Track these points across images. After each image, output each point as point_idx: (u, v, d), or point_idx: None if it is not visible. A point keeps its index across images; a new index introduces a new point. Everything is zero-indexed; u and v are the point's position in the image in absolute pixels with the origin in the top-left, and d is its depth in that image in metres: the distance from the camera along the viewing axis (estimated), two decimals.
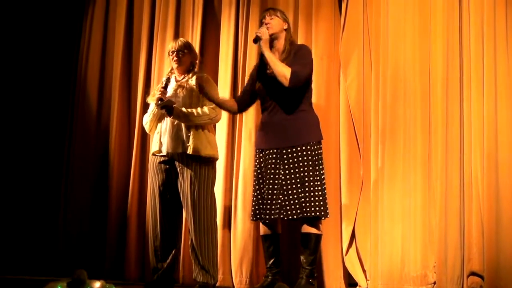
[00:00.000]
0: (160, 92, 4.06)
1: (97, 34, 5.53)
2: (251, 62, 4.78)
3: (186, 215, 4.16)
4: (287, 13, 4.59)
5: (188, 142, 4.05)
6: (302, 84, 3.84)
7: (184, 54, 4.21)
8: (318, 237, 3.88)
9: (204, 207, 4.06)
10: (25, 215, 5.42)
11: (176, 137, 4.09)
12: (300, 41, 4.63)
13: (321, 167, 3.90)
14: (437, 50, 4.26)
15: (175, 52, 4.20)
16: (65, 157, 5.43)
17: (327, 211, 3.87)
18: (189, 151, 4.04)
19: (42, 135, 5.59)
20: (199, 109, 4.08)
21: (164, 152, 4.12)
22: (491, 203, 3.96)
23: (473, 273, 3.96)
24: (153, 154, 4.20)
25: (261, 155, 3.96)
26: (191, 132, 4.06)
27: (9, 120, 5.58)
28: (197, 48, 4.96)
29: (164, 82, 4.15)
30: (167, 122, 4.14)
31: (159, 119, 4.19)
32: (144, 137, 5.12)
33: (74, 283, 2.98)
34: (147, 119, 4.26)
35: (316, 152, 3.89)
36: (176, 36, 5.12)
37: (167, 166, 4.13)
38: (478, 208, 3.99)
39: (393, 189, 4.19)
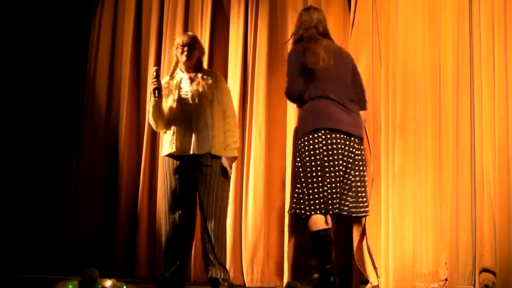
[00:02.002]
0: (154, 82, 4.06)
1: (106, 34, 5.54)
2: (261, 59, 4.78)
3: (205, 213, 4.06)
4: (295, 11, 4.61)
5: (212, 142, 4.05)
6: (293, 98, 4.00)
7: (194, 49, 4.18)
8: None
9: (223, 207, 4.09)
10: (37, 215, 5.44)
11: (202, 138, 4.05)
12: None
13: (309, 159, 3.81)
14: (447, 46, 4.23)
15: (186, 46, 4.17)
16: (75, 158, 5.44)
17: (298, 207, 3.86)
18: (214, 151, 4.04)
19: (51, 136, 5.60)
20: (230, 136, 4.13)
21: (187, 153, 4.04)
22: (503, 199, 3.94)
23: (485, 270, 3.94)
24: (171, 155, 4.10)
25: None
26: (216, 133, 4.07)
27: (18, 121, 5.59)
28: (206, 46, 4.96)
29: (155, 73, 4.09)
30: (187, 124, 4.07)
31: (174, 119, 4.11)
32: (154, 138, 5.12)
33: (86, 281, 2.99)
34: (150, 115, 4.19)
35: (310, 142, 3.82)
36: None
37: (186, 166, 4.07)
38: (490, 204, 3.97)
39: (404, 186, 4.16)
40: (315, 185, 3.78)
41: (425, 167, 4.20)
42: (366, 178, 3.94)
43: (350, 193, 3.83)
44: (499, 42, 4.06)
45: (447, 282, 4.05)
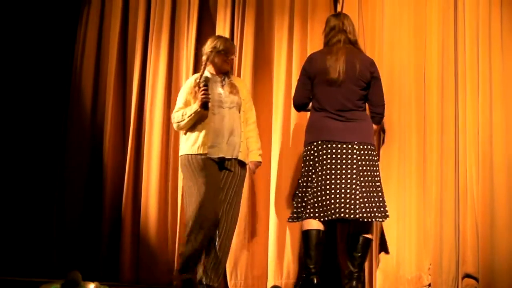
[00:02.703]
0: (205, 95, 3.95)
1: (92, 36, 5.51)
2: (247, 63, 4.78)
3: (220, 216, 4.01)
4: (282, 16, 4.62)
5: (240, 148, 4.06)
6: (295, 107, 4.14)
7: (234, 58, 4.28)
8: None
9: (238, 213, 4.09)
10: (19, 217, 5.39)
11: (231, 142, 4.04)
12: (295, 44, 4.64)
13: (303, 169, 3.94)
14: (432, 54, 4.27)
15: (233, 56, 4.21)
16: (59, 159, 5.41)
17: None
18: (241, 157, 4.05)
19: (36, 137, 5.56)
20: (254, 142, 4.15)
21: (215, 156, 4.00)
22: (486, 206, 3.98)
23: (468, 275, 3.97)
24: (202, 155, 3.98)
25: None
26: (242, 139, 4.08)
27: (3, 121, 5.55)
28: (192, 50, 4.98)
29: (204, 83, 4.00)
30: (219, 126, 4.02)
31: (208, 120, 4.01)
32: (139, 139, 5.12)
33: (68, 284, 2.97)
34: (185, 119, 4.01)
35: (304, 154, 3.96)
36: (172, 38, 5.12)
37: (215, 167, 4.02)
38: (473, 210, 4.00)
39: (388, 192, 4.18)
40: (306, 193, 3.88)
41: (409, 173, 4.23)
42: (372, 182, 3.86)
43: (353, 197, 3.80)
44: (483, 49, 4.11)
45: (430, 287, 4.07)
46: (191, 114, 3.99)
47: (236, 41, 4.87)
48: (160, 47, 5.14)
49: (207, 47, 4.14)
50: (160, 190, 4.96)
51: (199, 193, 3.92)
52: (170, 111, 5.03)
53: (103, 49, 5.48)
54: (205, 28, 5.09)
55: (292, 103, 4.17)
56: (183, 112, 4.04)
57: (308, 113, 4.11)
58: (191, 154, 4.00)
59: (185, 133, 4.08)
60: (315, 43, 4.53)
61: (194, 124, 4.02)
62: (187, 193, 4.02)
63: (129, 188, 5.07)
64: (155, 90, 5.11)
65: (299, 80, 4.07)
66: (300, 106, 4.09)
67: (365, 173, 3.83)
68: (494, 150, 4.02)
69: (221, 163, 4.03)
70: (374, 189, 3.85)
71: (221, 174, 4.03)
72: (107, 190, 5.16)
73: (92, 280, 3.10)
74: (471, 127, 4.09)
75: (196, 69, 4.95)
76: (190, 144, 4.03)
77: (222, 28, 4.93)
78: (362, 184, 3.81)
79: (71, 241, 5.18)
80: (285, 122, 4.64)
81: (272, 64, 4.80)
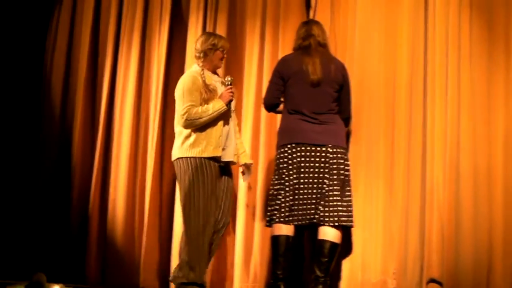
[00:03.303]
0: (232, 94, 3.96)
1: (63, 34, 5.45)
2: None
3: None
4: (254, 21, 4.62)
5: (235, 151, 4.03)
6: (265, 107, 4.15)
7: None
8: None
9: (228, 222, 4.08)
10: None
11: (232, 144, 3.99)
12: (266, 50, 4.66)
13: (276, 172, 3.95)
14: (402, 60, 4.33)
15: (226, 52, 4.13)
16: (28, 157, 5.34)
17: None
18: (236, 159, 4.04)
19: (3, 137, 5.48)
20: (242, 144, 4.20)
21: (226, 159, 3.95)
22: (452, 211, 4.04)
23: (432, 280, 4.02)
24: (214, 158, 3.91)
25: None
26: (238, 143, 4.09)
27: None
28: (163, 52, 4.96)
29: (231, 83, 4.00)
30: (226, 129, 3.98)
31: (218, 122, 3.95)
32: (108, 137, 5.09)
33: (33, 286, 2.95)
34: (206, 116, 3.88)
35: (277, 157, 3.98)
36: (143, 38, 5.09)
37: (221, 171, 3.98)
38: (439, 215, 4.05)
39: (355, 195, 4.21)
40: (278, 196, 3.90)
41: (376, 177, 4.27)
42: (342, 187, 3.90)
43: (322, 202, 3.84)
44: (452, 56, 4.17)
45: None
46: (214, 112, 3.88)
47: None
48: (132, 47, 5.12)
49: (204, 43, 4.02)
50: (128, 191, 4.95)
51: (205, 199, 3.85)
52: (141, 110, 5.04)
53: (74, 47, 5.43)
54: (177, 29, 5.08)
55: (263, 104, 4.18)
56: (203, 108, 3.88)
57: (279, 115, 4.13)
58: (203, 157, 3.87)
59: (190, 134, 3.91)
60: (287, 48, 4.54)
61: (206, 127, 3.91)
62: (193, 196, 3.86)
63: (97, 188, 5.04)
64: (126, 89, 5.09)
65: (270, 81, 4.07)
66: (271, 106, 4.09)
67: (336, 177, 3.86)
68: (461, 155, 4.08)
69: (223, 167, 3.98)
70: (344, 193, 3.89)
71: (222, 178, 3.98)
72: (75, 189, 5.13)
73: (57, 282, 3.08)
74: (439, 133, 4.14)
75: (166, 72, 4.93)
76: (201, 146, 3.88)
77: (194, 31, 4.91)
78: (333, 188, 3.84)
79: (36, 241, 5.12)
80: (255, 125, 4.65)
81: (243, 67, 4.80)
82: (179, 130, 3.97)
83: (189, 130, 3.90)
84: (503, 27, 4.14)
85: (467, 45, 4.17)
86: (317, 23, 4.15)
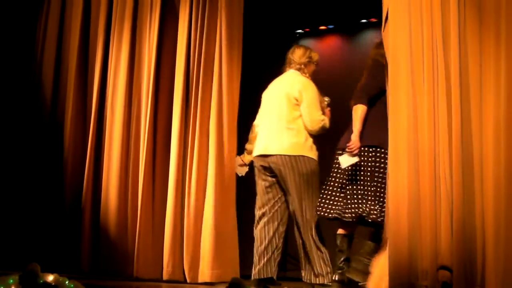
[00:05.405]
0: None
1: (53, 27, 5.46)
2: (207, 57, 4.77)
3: None
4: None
5: None
6: None
7: None
8: None
9: None
10: None
11: None
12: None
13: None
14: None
15: None
16: (21, 151, 5.35)
17: None
18: None
19: None
20: None
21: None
22: (460, 197, 3.88)
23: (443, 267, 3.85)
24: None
25: None
26: None
27: None
28: (154, 45, 4.95)
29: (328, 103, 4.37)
30: None
31: None
32: (100, 131, 5.12)
33: (26, 276, 2.96)
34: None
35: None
36: (134, 30, 5.09)
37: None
38: (448, 201, 3.85)
39: None
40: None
41: None
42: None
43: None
44: (446, 51, 4.05)
45: None
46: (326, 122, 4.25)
47: (195, 37, 4.84)
48: (122, 40, 5.12)
49: (302, 56, 4.33)
50: (121, 181, 4.97)
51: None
52: (132, 100, 5.04)
53: (64, 41, 5.43)
54: (167, 22, 5.05)
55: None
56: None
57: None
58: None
59: (307, 136, 4.21)
60: None
61: None
62: (315, 196, 4.16)
63: (90, 179, 5.07)
64: (117, 82, 5.11)
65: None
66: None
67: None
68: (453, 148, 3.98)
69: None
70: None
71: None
72: (67, 181, 5.16)
73: (51, 272, 3.09)
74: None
75: (157, 67, 4.92)
76: (315, 149, 4.22)
77: (182, 21, 4.89)
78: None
79: (30, 232, 5.14)
80: None
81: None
82: (298, 127, 4.19)
83: (306, 131, 4.19)
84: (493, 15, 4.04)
85: (456, 34, 4.11)
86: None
